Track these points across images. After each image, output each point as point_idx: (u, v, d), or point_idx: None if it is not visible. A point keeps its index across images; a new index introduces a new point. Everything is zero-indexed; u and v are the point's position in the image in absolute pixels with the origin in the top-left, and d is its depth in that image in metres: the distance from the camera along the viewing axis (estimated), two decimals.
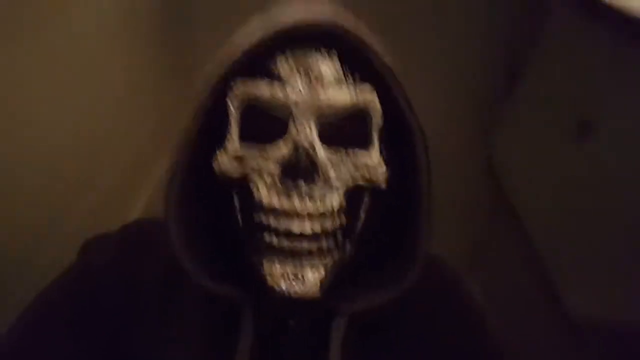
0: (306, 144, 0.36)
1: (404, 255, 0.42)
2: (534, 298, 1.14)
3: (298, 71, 0.37)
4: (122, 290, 0.45)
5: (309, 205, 0.37)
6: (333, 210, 0.38)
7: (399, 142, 0.42)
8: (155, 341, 0.43)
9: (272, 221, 0.37)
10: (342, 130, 0.39)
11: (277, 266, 0.38)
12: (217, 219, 0.43)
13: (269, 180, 0.37)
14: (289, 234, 0.37)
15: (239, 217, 0.40)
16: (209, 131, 0.39)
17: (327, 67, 0.38)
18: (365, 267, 0.44)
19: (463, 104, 1.64)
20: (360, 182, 0.39)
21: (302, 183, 0.36)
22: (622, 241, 0.88)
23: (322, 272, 0.38)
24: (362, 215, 0.41)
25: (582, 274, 0.94)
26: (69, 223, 1.05)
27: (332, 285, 0.40)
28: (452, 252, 0.59)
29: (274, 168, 0.37)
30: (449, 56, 1.58)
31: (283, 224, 0.37)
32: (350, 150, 0.39)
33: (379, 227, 0.44)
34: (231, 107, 0.38)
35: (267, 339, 0.42)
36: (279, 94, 0.37)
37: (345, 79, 0.38)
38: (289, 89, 0.37)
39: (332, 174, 0.38)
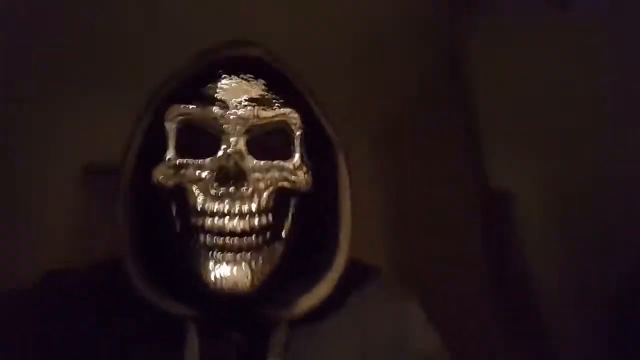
0: (235, 155, 0.43)
1: (330, 256, 0.48)
2: None
3: (229, 94, 0.45)
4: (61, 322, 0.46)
5: (238, 207, 0.42)
6: (260, 210, 0.44)
7: (322, 153, 0.50)
8: None
9: (207, 222, 0.42)
10: (268, 143, 0.46)
11: (212, 262, 0.42)
12: (156, 232, 0.48)
13: (202, 186, 0.43)
14: (221, 233, 0.42)
15: (176, 224, 0.46)
16: (148, 149, 0.46)
17: (253, 90, 0.46)
18: (297, 273, 0.49)
19: None
20: (285, 185, 0.45)
21: (232, 188, 0.42)
22: None
23: (253, 266, 0.43)
24: (290, 216, 0.47)
25: None
26: None
27: (267, 294, 0.45)
28: None
29: (207, 176, 0.43)
30: None
31: (216, 224, 0.42)
32: (275, 160, 0.46)
33: (308, 230, 0.49)
34: (169, 127, 0.45)
35: (213, 354, 0.44)
36: (212, 114, 0.44)
37: (270, 99, 0.46)
38: (221, 110, 0.44)
39: (258, 178, 0.44)
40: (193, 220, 0.43)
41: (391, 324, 0.51)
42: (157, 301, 0.44)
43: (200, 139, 0.45)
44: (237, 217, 0.42)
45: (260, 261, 0.44)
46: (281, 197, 0.46)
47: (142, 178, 0.46)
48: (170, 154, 0.44)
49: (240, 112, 0.44)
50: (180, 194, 0.44)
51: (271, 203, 0.45)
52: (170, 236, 0.46)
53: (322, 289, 0.47)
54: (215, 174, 0.43)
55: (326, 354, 0.47)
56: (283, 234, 0.47)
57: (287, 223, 0.47)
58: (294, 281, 0.48)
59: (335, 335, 0.48)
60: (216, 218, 0.42)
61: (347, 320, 0.49)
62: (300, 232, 0.48)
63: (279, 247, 0.46)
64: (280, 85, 0.47)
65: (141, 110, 0.48)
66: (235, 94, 0.45)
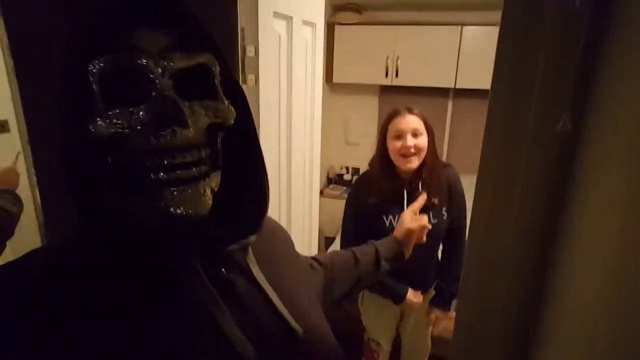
0: (170, 98, 0.46)
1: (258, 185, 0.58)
2: None
3: (151, 43, 0.46)
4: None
5: (185, 142, 0.47)
6: (200, 144, 0.49)
7: (234, 92, 0.54)
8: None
9: (159, 161, 0.46)
10: (193, 85, 0.49)
11: (170, 195, 0.46)
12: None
13: (143, 131, 0.45)
14: (172, 166, 0.46)
15: (115, 173, 0.47)
16: (76, 103, 0.46)
17: (171, 37, 0.48)
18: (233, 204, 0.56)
19: None
20: (217, 121, 0.50)
21: (172, 126, 0.45)
22: None
23: (206, 191, 0.49)
24: (219, 146, 0.52)
25: None
26: None
27: (220, 228, 0.53)
28: None
29: (145, 121, 0.45)
30: None
31: (170, 161, 0.46)
32: (203, 100, 0.49)
33: (232, 156, 0.55)
34: (94, 79, 0.45)
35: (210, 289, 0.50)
36: (138, 63, 0.45)
37: (187, 45, 0.49)
38: (147, 58, 0.45)
39: (195, 117, 0.48)
40: (140, 162, 0.46)
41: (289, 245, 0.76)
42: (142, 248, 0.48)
43: (128, 88, 0.45)
44: (185, 151, 0.47)
45: (209, 187, 0.50)
46: (211, 130, 0.50)
47: (72, 133, 0.46)
48: (100, 104, 0.45)
49: (165, 59, 0.46)
50: (117, 142, 0.45)
51: (207, 137, 0.49)
52: (110, 186, 0.47)
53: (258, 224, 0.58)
54: (155, 117, 0.45)
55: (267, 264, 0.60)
56: (220, 161, 0.52)
57: (219, 153, 0.52)
58: (234, 216, 0.56)
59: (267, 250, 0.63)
60: (167, 156, 0.46)
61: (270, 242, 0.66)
62: (228, 160, 0.54)
63: (218, 174, 0.52)
64: (186, 32, 0.50)
65: (62, 65, 0.47)
66: (156, 43, 0.47)
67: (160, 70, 0.46)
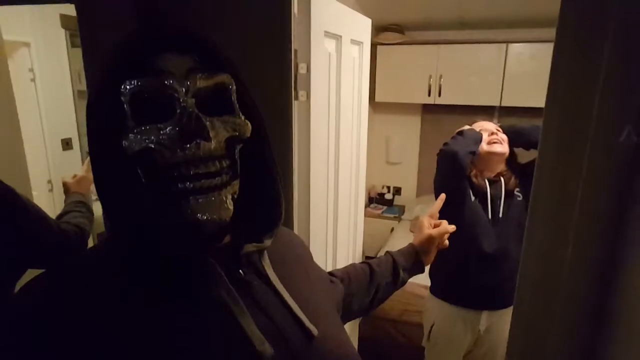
0: (193, 115, 0.50)
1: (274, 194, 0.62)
2: None
3: (175, 66, 0.51)
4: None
5: (205, 152, 0.51)
6: (221, 155, 0.53)
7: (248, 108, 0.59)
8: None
9: (183, 170, 0.50)
10: (213, 102, 0.54)
11: (194, 203, 0.51)
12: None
13: (169, 144, 0.50)
14: (196, 176, 0.51)
15: (146, 184, 0.51)
16: (108, 121, 0.51)
17: (193, 61, 0.53)
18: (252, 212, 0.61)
19: None
20: (234, 134, 0.54)
21: (196, 139, 0.50)
22: None
23: (227, 198, 0.53)
24: (237, 157, 0.56)
25: None
26: None
27: (239, 233, 0.59)
28: None
29: (171, 136, 0.50)
30: None
31: (190, 171, 0.50)
32: (222, 115, 0.54)
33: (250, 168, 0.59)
34: (125, 99, 0.50)
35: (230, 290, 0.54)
36: (164, 83, 0.50)
37: (206, 67, 0.54)
38: (173, 79, 0.50)
39: (213, 130, 0.52)
40: (168, 174, 0.50)
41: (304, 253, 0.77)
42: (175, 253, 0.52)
43: (152, 106, 0.50)
44: (208, 162, 0.51)
45: (230, 194, 0.54)
46: (230, 142, 0.54)
47: (105, 149, 0.52)
48: (130, 122, 0.50)
49: (188, 79, 0.51)
50: (147, 155, 0.50)
51: (226, 149, 0.54)
52: (139, 196, 0.52)
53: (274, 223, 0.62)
54: (180, 132, 0.50)
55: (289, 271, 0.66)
56: (238, 170, 0.56)
57: (238, 164, 0.56)
58: (251, 222, 0.61)
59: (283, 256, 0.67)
60: (192, 166, 0.50)
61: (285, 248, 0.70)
62: (245, 169, 0.58)
63: (237, 182, 0.56)
64: (207, 56, 0.55)
65: (95, 87, 0.53)
66: (181, 66, 0.52)
67: (184, 89, 0.51)
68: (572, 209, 0.66)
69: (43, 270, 0.53)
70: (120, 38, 0.54)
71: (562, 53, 0.63)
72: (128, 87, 0.50)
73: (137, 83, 0.50)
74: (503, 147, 1.68)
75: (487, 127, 1.75)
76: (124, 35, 0.54)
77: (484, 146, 1.68)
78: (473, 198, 1.66)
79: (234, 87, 0.56)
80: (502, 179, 1.69)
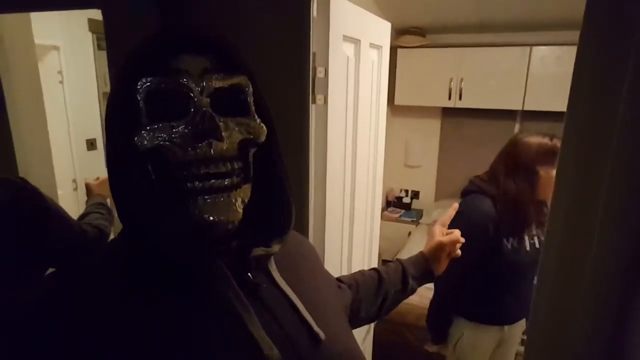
0: (207, 114, 0.50)
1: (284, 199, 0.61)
2: None
3: (192, 66, 0.51)
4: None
5: (217, 152, 0.50)
6: (234, 156, 0.53)
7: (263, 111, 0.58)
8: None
9: (193, 170, 0.50)
10: (229, 104, 0.53)
11: (204, 202, 0.50)
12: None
13: (182, 143, 0.49)
14: (207, 176, 0.50)
15: (156, 182, 0.51)
16: (123, 119, 0.51)
17: (210, 61, 0.53)
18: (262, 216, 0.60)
19: None
20: (248, 137, 0.54)
21: (208, 139, 0.50)
22: None
23: (237, 200, 0.53)
24: (251, 160, 0.56)
25: None
26: None
27: (249, 236, 0.57)
28: None
29: (184, 134, 0.50)
30: None
31: (201, 170, 0.50)
32: (236, 117, 0.54)
33: (262, 170, 0.58)
34: (141, 97, 0.50)
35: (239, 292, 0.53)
36: (180, 83, 0.50)
37: (222, 68, 0.54)
38: (187, 79, 0.51)
39: (229, 131, 0.52)
40: (178, 172, 0.50)
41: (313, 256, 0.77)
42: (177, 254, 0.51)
43: (167, 105, 0.50)
44: (219, 163, 0.51)
45: (240, 197, 0.54)
46: (243, 145, 0.54)
47: (119, 146, 0.52)
48: (145, 119, 0.50)
49: (204, 79, 0.51)
50: (158, 153, 0.50)
51: (239, 151, 0.53)
52: (150, 194, 0.51)
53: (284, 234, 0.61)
54: (193, 131, 0.50)
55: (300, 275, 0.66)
56: (251, 174, 0.56)
57: (251, 167, 0.56)
58: (262, 226, 0.60)
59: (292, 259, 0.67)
60: (203, 166, 0.50)
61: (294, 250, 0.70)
62: (258, 174, 0.57)
63: (249, 186, 0.56)
64: (224, 58, 0.55)
65: (114, 85, 0.54)
66: (197, 66, 0.52)
67: (199, 89, 0.51)
68: (594, 215, 0.64)
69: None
70: (139, 40, 0.54)
71: (584, 58, 0.62)
72: (144, 84, 0.50)
73: (153, 81, 0.50)
74: None
75: None
76: (143, 37, 0.54)
77: (549, 186, 1.48)
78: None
79: (250, 89, 0.56)
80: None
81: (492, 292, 1.63)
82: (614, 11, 0.58)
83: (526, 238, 1.57)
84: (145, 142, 0.50)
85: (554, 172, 1.44)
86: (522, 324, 1.75)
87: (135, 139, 0.50)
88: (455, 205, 1.12)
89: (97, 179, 1.45)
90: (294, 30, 1.14)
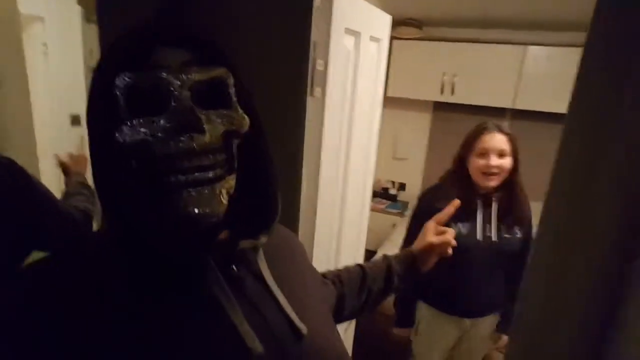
0: (188, 108, 0.50)
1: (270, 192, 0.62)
2: None
3: (172, 59, 0.51)
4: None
5: (199, 145, 0.50)
6: (218, 149, 0.52)
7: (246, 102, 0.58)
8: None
9: (177, 163, 0.49)
10: (210, 96, 0.53)
11: (188, 196, 0.50)
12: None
13: (164, 137, 0.49)
14: (190, 169, 0.50)
15: (139, 176, 0.51)
16: (103, 114, 0.51)
17: (189, 54, 0.53)
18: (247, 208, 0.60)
19: None
20: (231, 128, 0.54)
21: (190, 132, 0.49)
22: None
23: (222, 192, 0.52)
24: (234, 152, 0.56)
25: None
26: None
27: (236, 228, 0.59)
28: None
29: (166, 128, 0.49)
30: None
31: (184, 163, 0.50)
32: (218, 109, 0.53)
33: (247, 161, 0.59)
34: (120, 91, 0.50)
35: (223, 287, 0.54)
36: (160, 77, 0.49)
37: (202, 61, 0.53)
38: (167, 72, 0.50)
39: (211, 124, 0.51)
40: (161, 166, 0.49)
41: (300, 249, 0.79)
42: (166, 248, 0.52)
43: (147, 99, 0.50)
44: (202, 156, 0.50)
45: (224, 188, 0.53)
46: (227, 137, 0.53)
47: (101, 142, 0.52)
48: (125, 115, 0.50)
49: (183, 72, 0.50)
50: (141, 148, 0.49)
51: (223, 143, 0.53)
52: (133, 189, 0.51)
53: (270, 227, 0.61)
54: (174, 124, 0.49)
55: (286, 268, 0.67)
56: (235, 165, 0.56)
57: (235, 158, 0.56)
58: (247, 219, 0.60)
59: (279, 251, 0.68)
60: (186, 159, 0.49)
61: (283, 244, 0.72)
62: (243, 165, 0.57)
63: (233, 177, 0.56)
64: (202, 50, 0.55)
65: (92, 81, 0.53)
66: (176, 59, 0.52)
67: (179, 82, 0.50)
68: (591, 220, 0.65)
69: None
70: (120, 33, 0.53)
71: (591, 61, 0.61)
72: (123, 80, 0.50)
73: (132, 76, 0.50)
74: (495, 182, 1.56)
75: (493, 147, 1.55)
76: (122, 32, 0.53)
77: (477, 174, 1.57)
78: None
79: (232, 80, 0.56)
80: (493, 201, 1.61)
81: (447, 279, 1.65)
82: (622, 14, 0.58)
83: (478, 226, 1.59)
84: (127, 138, 0.49)
85: (479, 161, 1.54)
86: (490, 323, 1.77)
87: (117, 134, 0.49)
88: (456, 201, 1.10)
89: (70, 155, 1.41)
90: (295, 21, 1.11)
